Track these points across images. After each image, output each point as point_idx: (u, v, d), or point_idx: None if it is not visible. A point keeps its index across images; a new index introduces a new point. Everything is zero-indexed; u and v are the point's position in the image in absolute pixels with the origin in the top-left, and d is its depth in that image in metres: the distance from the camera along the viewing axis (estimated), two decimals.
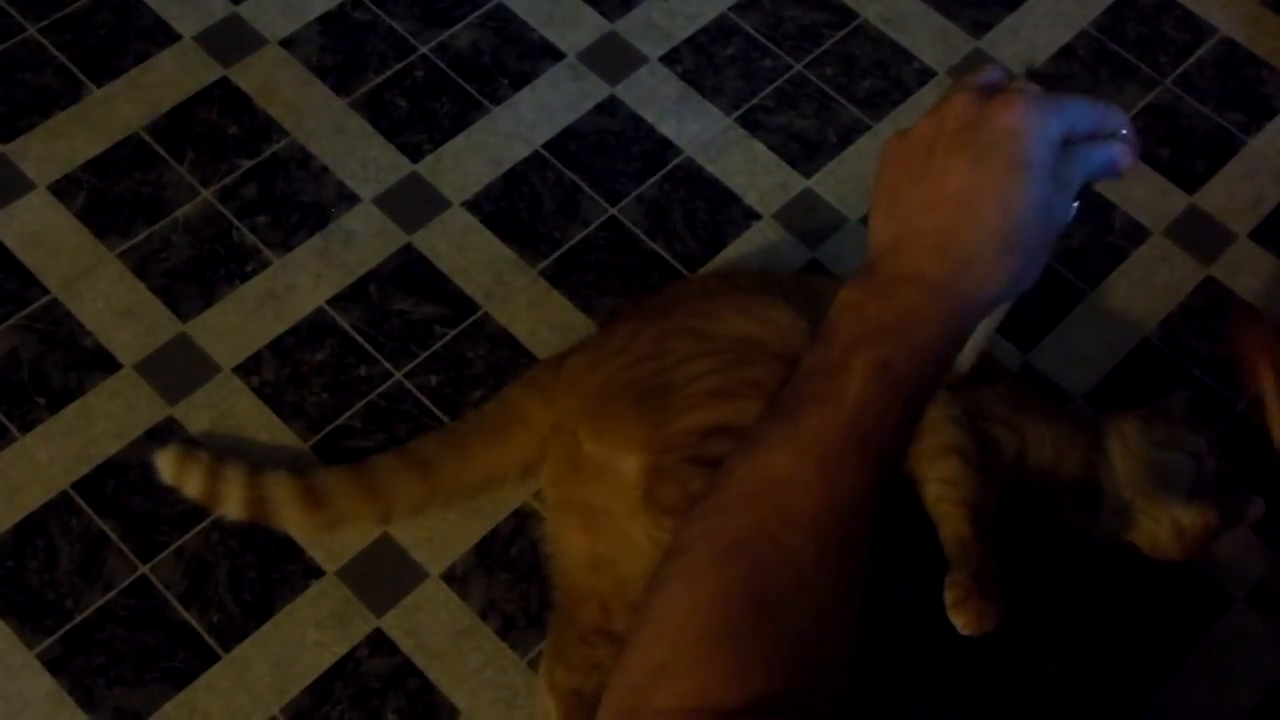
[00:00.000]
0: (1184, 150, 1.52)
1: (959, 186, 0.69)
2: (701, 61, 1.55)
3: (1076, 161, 0.72)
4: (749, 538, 0.66)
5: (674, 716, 0.63)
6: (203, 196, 1.41)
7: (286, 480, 1.20)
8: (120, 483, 1.25)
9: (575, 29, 1.56)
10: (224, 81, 1.49)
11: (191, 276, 1.37)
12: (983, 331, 0.79)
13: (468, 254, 1.40)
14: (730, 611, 0.65)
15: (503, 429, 1.23)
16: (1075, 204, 0.74)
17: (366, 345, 1.34)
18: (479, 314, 1.37)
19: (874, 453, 0.67)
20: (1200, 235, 1.47)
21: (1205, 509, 1.15)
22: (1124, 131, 0.74)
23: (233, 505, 1.20)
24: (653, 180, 1.46)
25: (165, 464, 1.22)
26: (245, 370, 1.32)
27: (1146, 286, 1.43)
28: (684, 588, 0.67)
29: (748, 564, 0.66)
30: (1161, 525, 1.16)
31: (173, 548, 1.22)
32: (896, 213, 0.72)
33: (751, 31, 1.58)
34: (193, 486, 1.21)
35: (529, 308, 1.37)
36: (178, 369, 1.31)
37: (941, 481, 1.11)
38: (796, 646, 0.65)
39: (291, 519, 1.21)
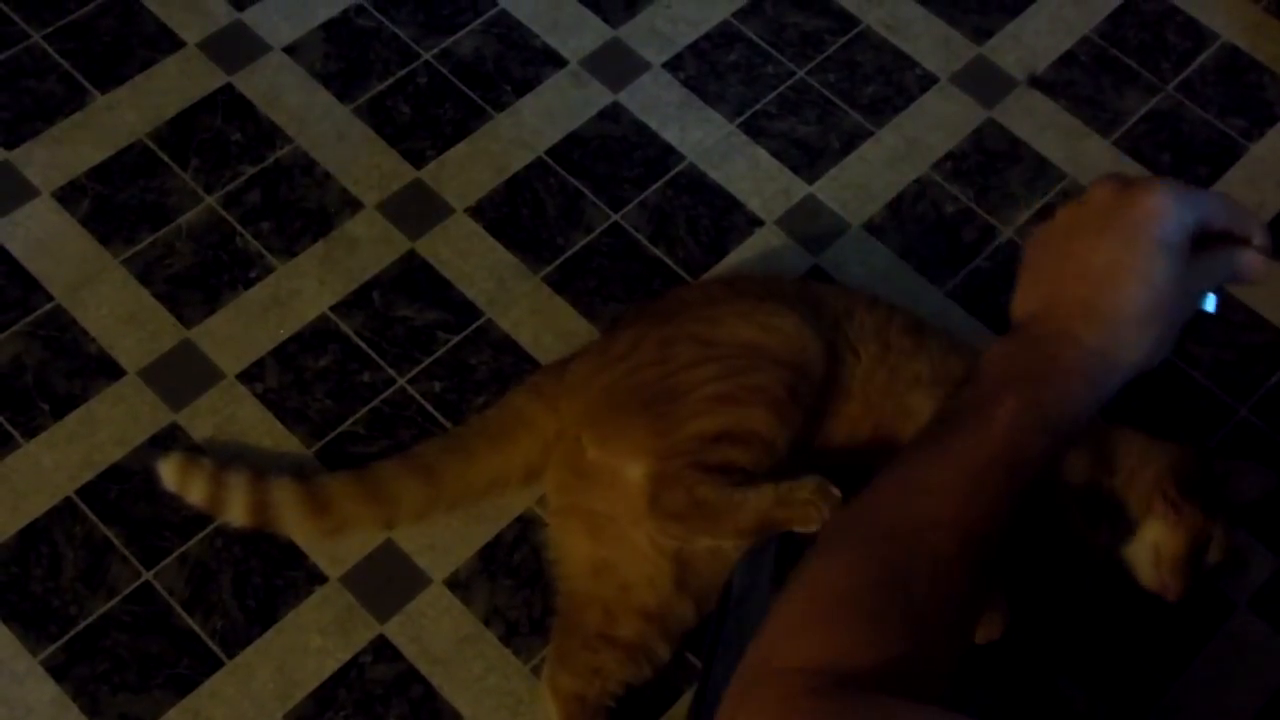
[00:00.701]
0: (1186, 156, 1.53)
1: (1104, 261, 0.78)
2: (704, 68, 1.55)
3: (1210, 258, 0.80)
4: (895, 531, 0.75)
5: (799, 675, 0.70)
6: (206, 203, 1.42)
7: (290, 486, 1.20)
8: (124, 489, 1.25)
9: (578, 35, 1.56)
10: (228, 88, 1.49)
11: (195, 283, 1.37)
12: None
13: (470, 260, 1.40)
14: (868, 588, 0.73)
15: (506, 434, 1.23)
16: (1214, 298, 0.81)
17: (370, 351, 1.34)
18: (482, 320, 1.37)
19: (1017, 476, 0.75)
20: None
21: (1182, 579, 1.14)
22: (1257, 240, 0.81)
23: (236, 512, 1.20)
24: (655, 186, 1.46)
25: (168, 471, 1.22)
26: (248, 377, 1.32)
27: None
28: (828, 564, 0.76)
29: (891, 551, 0.74)
30: (1142, 567, 1.16)
31: (176, 554, 1.22)
32: (1042, 285, 0.81)
33: (754, 38, 1.58)
34: (196, 493, 1.21)
35: (532, 314, 1.37)
36: (181, 375, 1.31)
37: None
38: (925, 628, 0.72)
39: (295, 525, 1.21)
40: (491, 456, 1.23)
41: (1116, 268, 0.77)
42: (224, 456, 1.25)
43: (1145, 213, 0.77)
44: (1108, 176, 0.81)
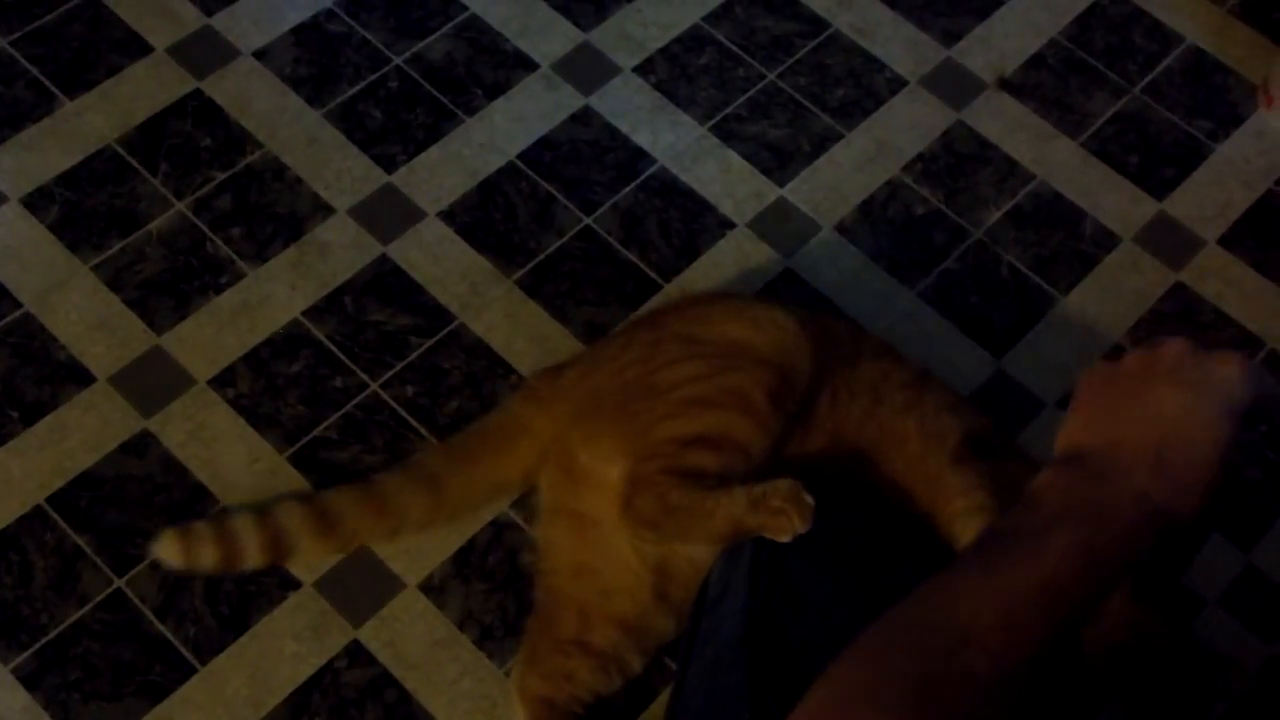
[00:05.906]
0: (1153, 158, 1.54)
1: (1176, 415, 0.79)
2: (675, 71, 1.56)
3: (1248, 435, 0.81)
4: (931, 643, 0.75)
5: None
6: (176, 209, 1.41)
7: (296, 509, 1.19)
8: (95, 496, 1.25)
9: (549, 39, 1.57)
10: (197, 93, 1.49)
11: (165, 289, 1.36)
12: None
13: (443, 264, 1.40)
14: (896, 690, 0.73)
15: (506, 440, 1.23)
16: None
17: (342, 356, 1.34)
18: (454, 324, 1.37)
19: (1062, 610, 0.75)
20: (1169, 242, 1.48)
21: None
22: None
23: (252, 556, 1.18)
24: (627, 190, 1.47)
25: (167, 550, 1.18)
26: (220, 382, 1.31)
27: (1117, 293, 1.45)
28: (860, 663, 0.76)
29: (924, 660, 0.74)
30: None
31: (148, 561, 1.22)
32: (1104, 422, 0.82)
33: (725, 41, 1.58)
34: (208, 559, 1.18)
35: (505, 318, 1.37)
36: (152, 382, 1.31)
37: None
38: None
39: (310, 549, 1.19)
40: (493, 463, 1.23)
41: (1190, 422, 0.79)
42: (198, 463, 1.24)
43: (1225, 380, 0.80)
44: (1181, 337, 0.83)
